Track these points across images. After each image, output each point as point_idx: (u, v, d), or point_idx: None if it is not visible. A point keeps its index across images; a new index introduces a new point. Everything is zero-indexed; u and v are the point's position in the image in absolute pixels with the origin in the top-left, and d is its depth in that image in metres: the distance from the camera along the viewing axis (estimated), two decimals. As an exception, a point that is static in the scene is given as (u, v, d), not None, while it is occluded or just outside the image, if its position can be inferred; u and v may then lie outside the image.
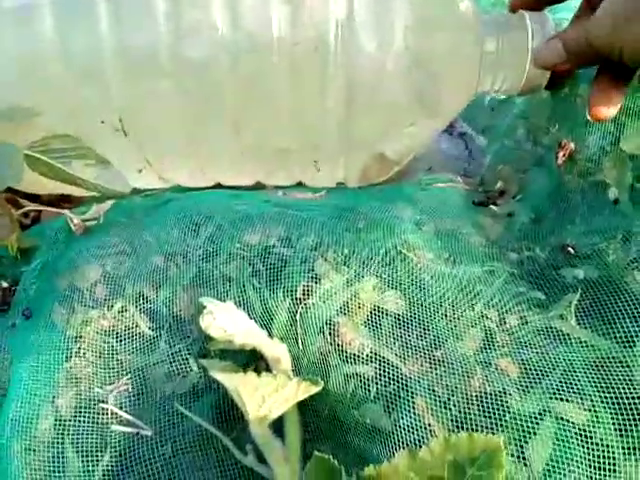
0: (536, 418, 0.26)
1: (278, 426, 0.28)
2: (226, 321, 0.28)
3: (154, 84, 0.36)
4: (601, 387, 0.27)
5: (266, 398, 0.25)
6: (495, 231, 0.39)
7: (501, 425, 0.26)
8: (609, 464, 0.25)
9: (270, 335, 0.30)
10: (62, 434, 0.29)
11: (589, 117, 0.38)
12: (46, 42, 0.36)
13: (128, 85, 0.37)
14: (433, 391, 0.28)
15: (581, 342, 0.28)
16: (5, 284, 0.37)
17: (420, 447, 0.22)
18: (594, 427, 0.26)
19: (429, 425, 0.27)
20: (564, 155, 0.40)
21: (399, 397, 0.28)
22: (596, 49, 0.32)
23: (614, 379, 0.27)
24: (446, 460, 0.21)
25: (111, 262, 0.36)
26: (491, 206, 0.41)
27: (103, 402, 0.30)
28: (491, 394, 0.27)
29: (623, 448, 0.25)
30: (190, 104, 0.37)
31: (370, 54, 0.36)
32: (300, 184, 0.46)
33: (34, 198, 0.45)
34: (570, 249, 0.32)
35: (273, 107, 0.38)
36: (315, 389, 0.26)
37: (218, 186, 0.46)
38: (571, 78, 0.41)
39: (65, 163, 0.38)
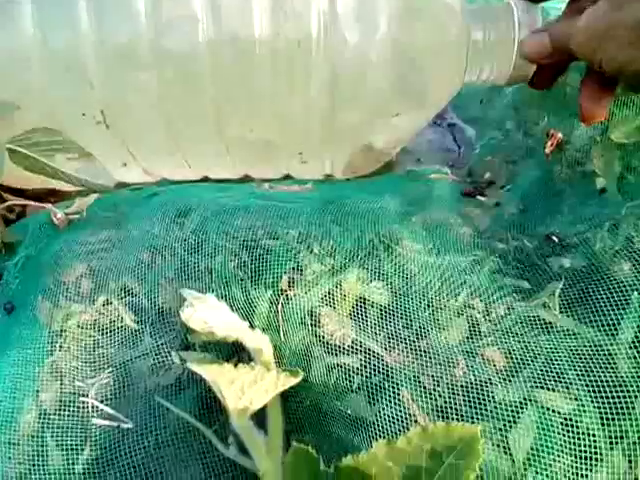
0: (518, 407, 0.25)
1: (261, 417, 0.27)
2: (207, 313, 0.28)
3: (135, 77, 0.36)
4: (585, 376, 0.26)
5: (245, 389, 0.24)
6: (483, 221, 0.39)
7: (485, 414, 0.26)
8: (593, 453, 0.24)
9: (252, 326, 0.29)
10: (44, 428, 0.29)
11: (581, 121, 0.38)
12: (27, 36, 0.36)
13: (109, 78, 0.36)
14: (418, 381, 0.28)
15: (565, 331, 0.28)
16: (-12, 279, 0.37)
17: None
18: (578, 416, 0.25)
19: (413, 415, 0.27)
20: (552, 144, 0.40)
21: (383, 387, 0.28)
22: (577, 54, 0.32)
23: (598, 368, 0.27)
24: (424, 449, 0.21)
25: (95, 256, 0.36)
26: (479, 197, 0.41)
27: (84, 396, 0.29)
28: (475, 383, 0.27)
29: (608, 437, 0.25)
30: (172, 97, 0.37)
31: (353, 44, 0.36)
32: (287, 177, 0.46)
33: (19, 193, 0.44)
34: (554, 238, 0.32)
35: (256, 99, 0.37)
36: (295, 380, 0.26)
37: (205, 180, 0.45)
38: (562, 75, 0.41)
39: (48, 157, 0.38)
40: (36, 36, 0.35)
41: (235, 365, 0.24)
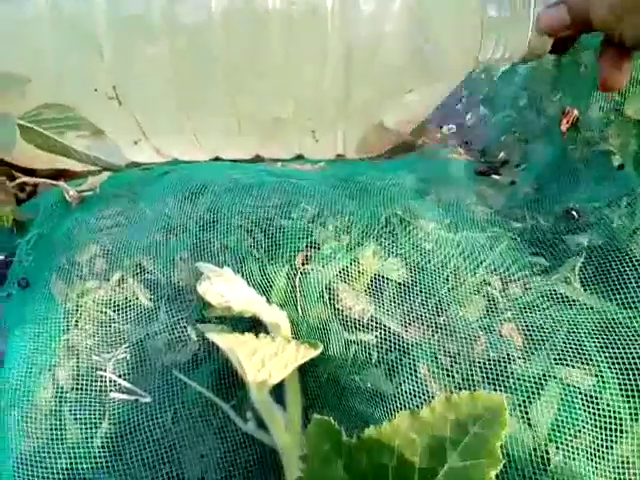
0: (540, 381, 0.25)
1: (278, 393, 0.27)
2: (224, 287, 0.28)
3: (147, 50, 0.36)
4: (606, 350, 0.26)
5: (265, 362, 0.24)
6: (497, 200, 0.39)
7: (504, 389, 0.26)
8: (615, 426, 0.24)
9: (269, 302, 0.29)
10: (61, 403, 0.29)
11: (600, 89, 0.37)
12: (38, 8, 0.36)
13: (121, 52, 0.36)
14: (436, 357, 0.28)
15: (585, 306, 0.28)
16: (1, 256, 0.37)
17: (422, 409, 0.22)
18: (600, 391, 0.25)
19: (432, 390, 0.27)
20: (567, 122, 0.39)
21: (401, 363, 0.28)
22: (597, 26, 0.32)
23: (619, 342, 0.26)
24: (448, 419, 0.21)
25: (108, 234, 0.35)
26: (493, 175, 0.40)
27: (102, 370, 0.29)
28: (494, 359, 0.27)
29: (630, 410, 0.25)
30: (184, 69, 0.36)
31: (369, 16, 0.36)
32: (299, 157, 0.45)
33: (30, 173, 0.44)
34: (574, 213, 0.32)
35: (269, 73, 0.37)
36: (315, 352, 0.26)
37: (216, 160, 0.45)
38: (575, 44, 0.40)
39: (59, 134, 0.37)
40: (48, 8, 0.35)
41: (256, 336, 0.24)
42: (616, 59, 0.34)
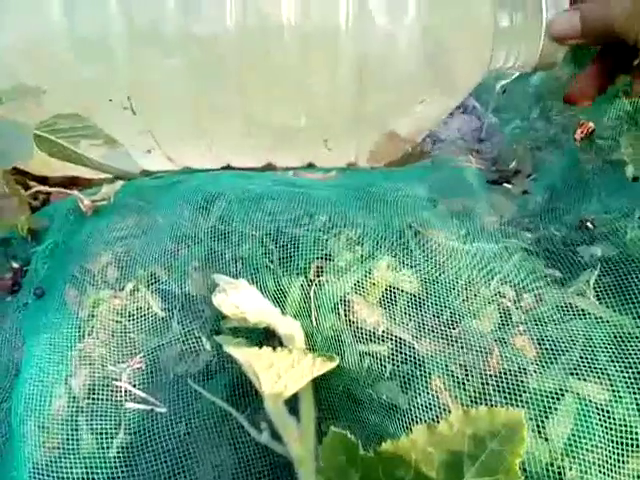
0: (556, 395, 0.25)
1: (292, 404, 0.27)
2: (239, 298, 0.28)
3: (162, 60, 0.36)
4: (621, 365, 0.26)
5: (281, 374, 0.24)
6: (509, 210, 0.39)
7: (519, 403, 0.26)
8: (630, 440, 0.24)
9: (283, 313, 0.29)
10: (76, 413, 0.29)
11: (564, 97, 0.38)
12: (53, 20, 0.36)
13: (136, 62, 0.36)
14: (449, 370, 0.28)
15: (600, 319, 0.28)
16: (16, 265, 0.37)
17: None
18: (614, 405, 0.25)
19: (446, 403, 0.27)
20: (582, 132, 0.39)
21: (414, 376, 0.28)
22: (614, 29, 0.32)
23: (634, 356, 0.26)
24: (466, 434, 0.21)
25: (122, 243, 0.36)
26: (505, 184, 0.40)
27: (117, 380, 0.30)
28: (508, 372, 0.27)
29: (644, 425, 0.24)
30: (198, 80, 0.37)
31: (382, 27, 0.36)
32: (311, 165, 0.45)
33: (43, 181, 0.44)
34: (589, 224, 0.32)
35: (282, 83, 0.37)
36: (331, 365, 0.26)
37: (228, 168, 0.45)
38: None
39: (73, 143, 0.37)
40: (64, 19, 0.35)
41: (272, 350, 0.24)
42: (594, 78, 0.35)
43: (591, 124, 0.39)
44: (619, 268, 0.30)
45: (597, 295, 0.29)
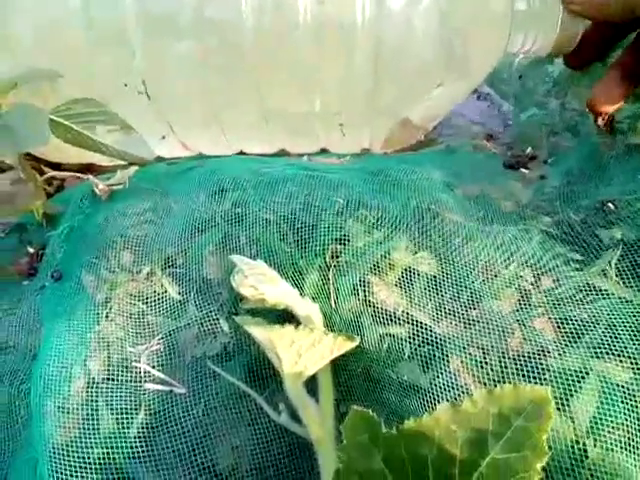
0: (579, 375, 0.25)
1: (311, 386, 0.27)
2: (257, 279, 0.28)
3: (177, 45, 0.36)
4: (644, 345, 0.26)
5: (302, 353, 0.24)
6: (526, 195, 0.38)
7: (540, 383, 0.25)
8: (654, 421, 0.24)
9: (302, 294, 0.29)
10: (95, 394, 0.29)
11: (586, 105, 0.37)
12: (68, 5, 0.36)
13: (151, 47, 0.36)
14: (469, 351, 0.28)
15: (623, 299, 0.28)
16: (32, 250, 0.37)
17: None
18: (637, 384, 0.25)
19: (466, 384, 0.26)
20: (604, 119, 0.39)
21: (434, 357, 0.28)
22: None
23: (657, 336, 0.26)
24: (490, 412, 0.21)
25: (137, 227, 0.36)
26: (522, 169, 0.40)
27: (135, 362, 0.30)
28: (529, 353, 0.27)
29: (668, 405, 0.24)
30: (213, 66, 0.37)
31: (398, 12, 0.35)
32: (323, 151, 0.45)
33: (57, 167, 0.44)
34: (610, 205, 0.32)
35: (297, 69, 0.37)
36: (351, 345, 0.26)
37: (241, 154, 0.45)
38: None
39: (89, 128, 0.37)
40: (78, 4, 0.35)
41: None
42: (615, 85, 0.34)
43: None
44: (639, 251, 0.30)
45: (619, 276, 0.29)
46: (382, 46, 0.36)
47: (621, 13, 0.33)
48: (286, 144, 0.44)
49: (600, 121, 0.38)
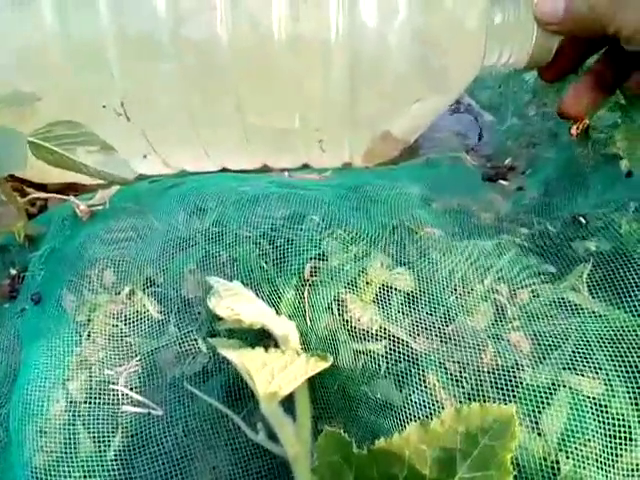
0: (549, 390, 0.25)
1: (288, 405, 0.28)
2: (233, 300, 0.28)
3: (155, 66, 0.36)
4: (615, 359, 0.26)
5: (275, 374, 0.24)
6: (505, 206, 0.39)
7: (514, 398, 0.26)
8: (625, 434, 0.24)
9: (278, 313, 0.29)
10: (74, 416, 0.29)
11: (556, 110, 0.38)
12: (46, 26, 0.36)
13: (129, 68, 0.36)
14: (444, 367, 0.28)
15: (594, 313, 0.28)
16: (14, 271, 0.38)
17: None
18: (609, 399, 0.25)
19: (441, 400, 0.27)
20: (578, 128, 0.39)
21: (410, 373, 0.28)
22: (595, 16, 0.32)
23: (628, 350, 0.26)
24: (458, 431, 0.21)
25: (118, 247, 0.36)
26: (500, 181, 0.40)
27: (114, 384, 0.30)
28: (503, 368, 0.27)
29: (638, 418, 0.24)
30: (192, 85, 0.37)
31: (373, 28, 0.36)
32: (306, 166, 0.45)
33: (41, 188, 0.45)
34: (582, 219, 0.32)
35: (275, 86, 0.37)
36: (324, 364, 0.26)
37: (224, 171, 0.45)
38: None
39: (69, 150, 0.38)
40: (56, 26, 0.35)
41: (265, 350, 0.24)
42: (586, 91, 0.34)
43: (586, 119, 0.39)
44: (614, 262, 0.30)
45: (592, 289, 0.29)
46: (358, 61, 0.37)
47: (594, 31, 0.34)
48: (268, 160, 0.44)
49: (574, 130, 0.38)
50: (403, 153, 0.46)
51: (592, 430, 0.24)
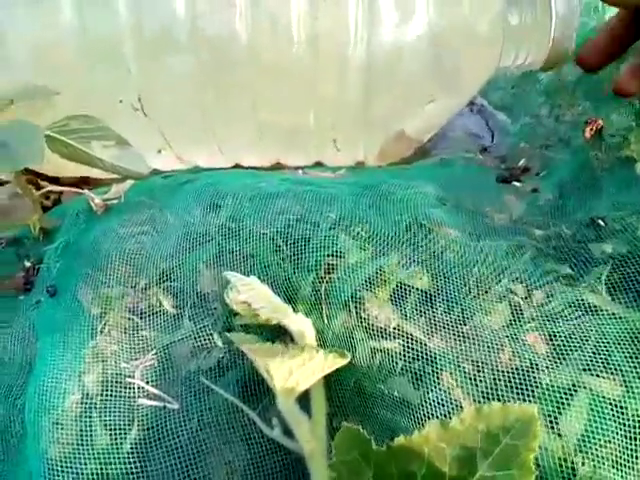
0: (569, 391, 0.25)
1: (304, 400, 0.28)
2: (250, 295, 0.28)
3: (172, 62, 0.36)
4: (634, 360, 0.26)
5: (293, 370, 0.24)
6: (519, 208, 0.39)
7: (531, 399, 0.26)
8: (645, 436, 0.24)
9: (294, 310, 0.29)
10: (90, 409, 0.29)
11: (612, 88, 0.37)
12: (62, 22, 0.36)
13: (146, 63, 0.36)
14: (460, 366, 0.28)
15: (613, 315, 0.28)
16: (28, 264, 0.38)
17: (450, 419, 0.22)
18: (628, 400, 0.25)
19: (458, 399, 0.27)
20: (592, 130, 0.39)
21: (426, 372, 0.28)
22: None
23: (647, 352, 0.26)
24: (479, 430, 0.21)
25: (133, 241, 0.36)
26: (514, 183, 0.40)
27: (129, 377, 0.30)
28: (520, 368, 0.27)
29: (658, 420, 0.24)
30: (208, 81, 0.37)
31: (391, 28, 0.36)
32: (319, 164, 0.45)
33: (55, 181, 0.45)
34: (600, 221, 0.32)
35: (291, 84, 0.37)
36: (342, 361, 0.26)
37: (237, 167, 0.45)
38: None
39: (85, 144, 0.38)
40: (74, 21, 0.35)
41: (284, 346, 0.24)
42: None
43: (600, 121, 0.39)
44: (631, 264, 0.30)
45: (610, 291, 0.29)
46: (374, 61, 0.37)
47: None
48: (281, 158, 0.44)
49: (587, 133, 0.38)
50: (416, 153, 0.46)
51: (611, 431, 0.24)
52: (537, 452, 0.20)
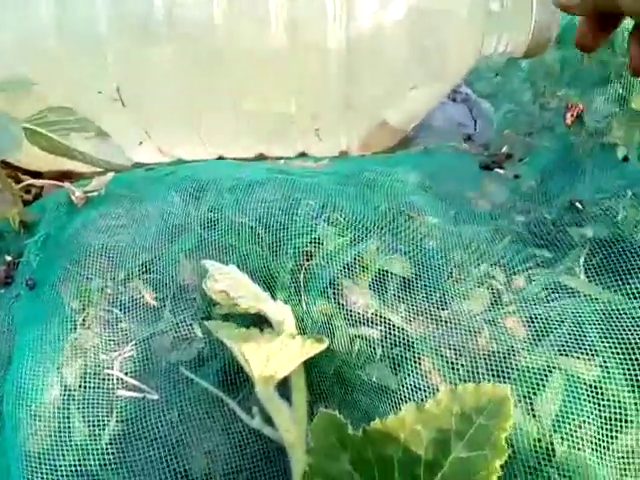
0: (544, 372, 0.25)
1: (284, 388, 0.28)
2: (229, 284, 0.28)
3: (151, 51, 0.36)
4: (611, 341, 0.26)
5: (271, 357, 0.24)
6: (501, 194, 0.38)
7: (509, 382, 0.26)
8: (620, 416, 0.24)
9: (273, 298, 0.29)
10: (68, 402, 0.29)
11: (631, 74, 0.37)
12: (43, 12, 0.36)
13: (125, 53, 0.36)
14: (440, 351, 0.28)
15: (589, 297, 0.28)
16: (9, 258, 0.37)
17: (427, 403, 0.22)
18: (604, 381, 0.25)
19: (436, 384, 0.27)
20: (572, 115, 0.39)
21: (405, 357, 0.28)
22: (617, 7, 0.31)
23: (624, 333, 0.26)
24: (453, 411, 0.21)
25: (113, 233, 0.36)
26: (497, 169, 0.40)
27: (108, 369, 0.30)
28: (498, 352, 0.27)
29: (634, 400, 0.24)
30: (187, 70, 0.37)
31: (371, 14, 0.36)
32: (302, 154, 0.45)
33: (36, 175, 0.44)
34: (578, 204, 0.32)
35: (271, 71, 0.37)
36: (320, 347, 0.26)
37: (220, 159, 0.45)
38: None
39: (64, 136, 0.37)
40: (52, 11, 0.35)
41: (260, 332, 0.24)
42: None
43: (580, 106, 0.39)
44: (610, 247, 0.30)
45: (587, 274, 0.29)
46: (354, 46, 0.37)
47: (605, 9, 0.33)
48: (263, 149, 0.44)
49: (569, 118, 0.38)
50: (400, 142, 0.46)
51: (587, 412, 0.24)
52: (510, 432, 0.20)
